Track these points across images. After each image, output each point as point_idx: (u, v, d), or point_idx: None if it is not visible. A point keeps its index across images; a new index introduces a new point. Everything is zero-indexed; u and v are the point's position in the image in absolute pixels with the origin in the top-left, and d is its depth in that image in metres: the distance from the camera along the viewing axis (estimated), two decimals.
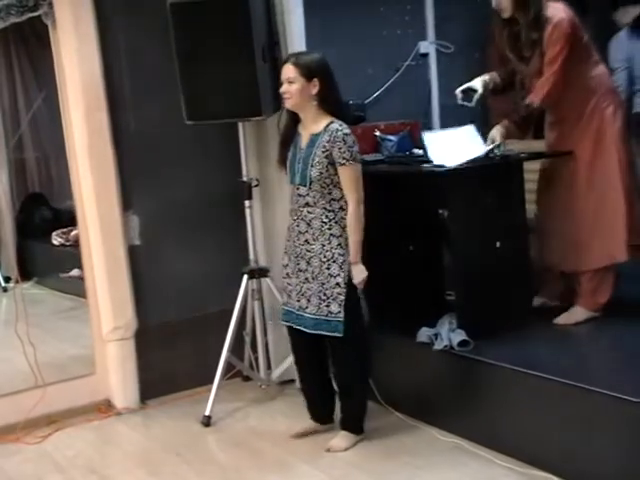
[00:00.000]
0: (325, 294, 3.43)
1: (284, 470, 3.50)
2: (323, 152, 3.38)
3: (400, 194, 4.06)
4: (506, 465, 3.28)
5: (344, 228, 3.42)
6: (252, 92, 3.84)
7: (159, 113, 4.23)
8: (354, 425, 3.63)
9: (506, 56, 3.89)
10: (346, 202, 3.42)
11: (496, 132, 3.77)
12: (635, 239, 3.78)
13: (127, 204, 4.23)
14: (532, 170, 4.01)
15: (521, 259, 3.83)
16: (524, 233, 3.84)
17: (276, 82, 3.60)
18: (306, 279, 3.50)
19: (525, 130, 3.88)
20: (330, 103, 3.43)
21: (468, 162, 3.66)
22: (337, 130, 3.37)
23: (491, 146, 3.72)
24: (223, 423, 4.02)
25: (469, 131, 3.91)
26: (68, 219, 5.93)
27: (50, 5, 3.96)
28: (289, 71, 3.42)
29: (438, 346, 3.63)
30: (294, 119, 3.54)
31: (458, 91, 3.92)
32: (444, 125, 4.82)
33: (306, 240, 3.48)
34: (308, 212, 3.46)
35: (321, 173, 3.39)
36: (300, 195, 3.47)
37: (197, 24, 3.87)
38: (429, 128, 4.82)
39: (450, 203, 3.72)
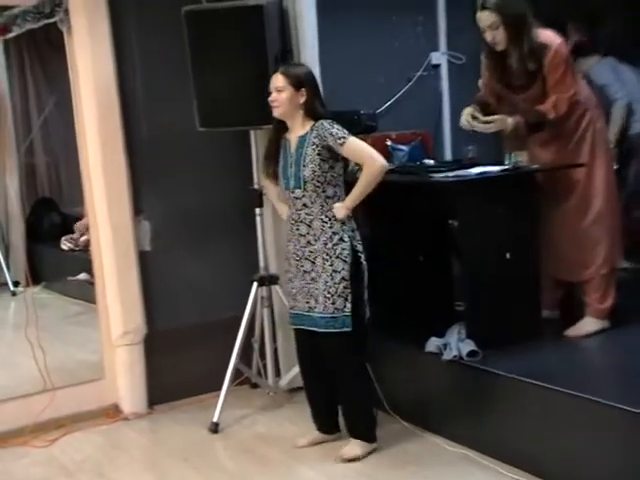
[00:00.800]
0: (329, 292, 3.46)
1: (291, 477, 3.51)
2: (314, 150, 3.46)
3: (411, 204, 4.07)
4: (513, 476, 3.28)
5: (344, 223, 3.48)
6: (264, 100, 3.85)
7: (171, 119, 4.26)
8: (364, 432, 3.62)
9: (492, 86, 3.98)
10: (341, 198, 3.50)
11: (509, 120, 3.81)
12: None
13: (138, 209, 4.26)
14: None
15: (531, 270, 3.83)
16: (535, 244, 3.85)
17: None
18: (312, 279, 3.53)
19: (528, 135, 3.91)
20: (316, 110, 3.53)
21: (480, 173, 3.69)
22: (322, 123, 3.48)
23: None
24: (231, 430, 4.02)
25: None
26: None
27: (66, 12, 3.99)
28: (278, 80, 3.52)
29: (447, 356, 3.63)
30: (279, 130, 3.61)
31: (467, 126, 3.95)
32: (455, 136, 4.83)
33: (308, 242, 3.53)
34: (306, 214, 3.51)
35: (314, 171, 3.45)
36: (296, 198, 3.53)
37: (211, 32, 3.90)
38: (440, 139, 4.84)
39: (460, 214, 3.73)
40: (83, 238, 5.83)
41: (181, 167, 4.36)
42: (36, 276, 5.52)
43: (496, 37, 3.76)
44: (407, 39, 4.84)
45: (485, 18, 3.74)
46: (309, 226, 3.52)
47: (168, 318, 4.35)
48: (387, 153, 4.40)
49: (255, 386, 4.49)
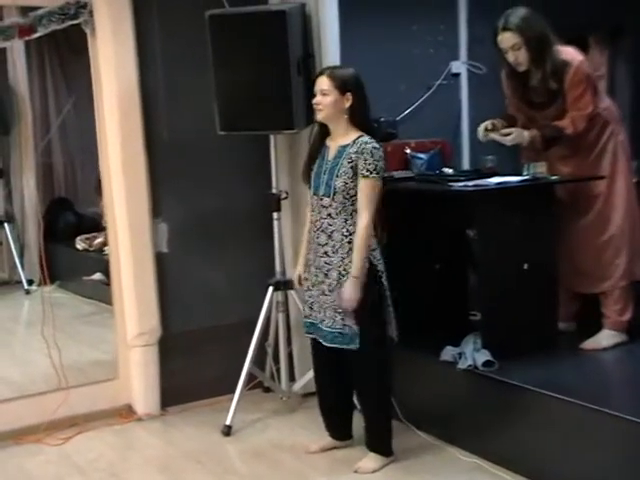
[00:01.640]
0: (340, 307, 3.43)
1: None
2: (349, 163, 3.40)
3: (428, 212, 4.07)
4: None
5: None
6: (285, 105, 3.88)
7: (192, 122, 4.28)
8: (382, 446, 3.59)
9: (515, 103, 4.00)
10: None
11: (525, 134, 3.82)
12: None
13: (157, 211, 4.27)
14: None
15: (548, 282, 3.83)
16: (553, 256, 3.84)
17: (309, 96, 3.62)
18: (323, 292, 3.50)
19: (544, 149, 3.90)
20: (361, 118, 3.45)
21: (499, 183, 3.69)
22: (366, 142, 3.39)
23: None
24: (243, 433, 4.03)
25: None
26: (92, 225, 6.01)
27: (90, 13, 4.01)
28: (323, 83, 3.45)
29: (462, 365, 3.63)
30: (323, 133, 3.56)
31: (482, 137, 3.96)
32: (473, 146, 4.83)
33: (325, 252, 3.48)
34: (329, 224, 3.46)
35: (345, 184, 3.40)
36: (323, 206, 3.48)
37: (234, 36, 3.92)
38: (458, 148, 4.84)
39: (478, 223, 3.73)
40: (98, 240, 5.88)
41: (200, 170, 4.37)
42: (51, 275, 5.55)
43: (519, 58, 3.77)
44: (428, 47, 4.85)
45: (507, 39, 3.74)
46: (329, 237, 3.47)
47: (183, 320, 4.37)
48: (406, 161, 4.41)
49: (268, 390, 4.49)
